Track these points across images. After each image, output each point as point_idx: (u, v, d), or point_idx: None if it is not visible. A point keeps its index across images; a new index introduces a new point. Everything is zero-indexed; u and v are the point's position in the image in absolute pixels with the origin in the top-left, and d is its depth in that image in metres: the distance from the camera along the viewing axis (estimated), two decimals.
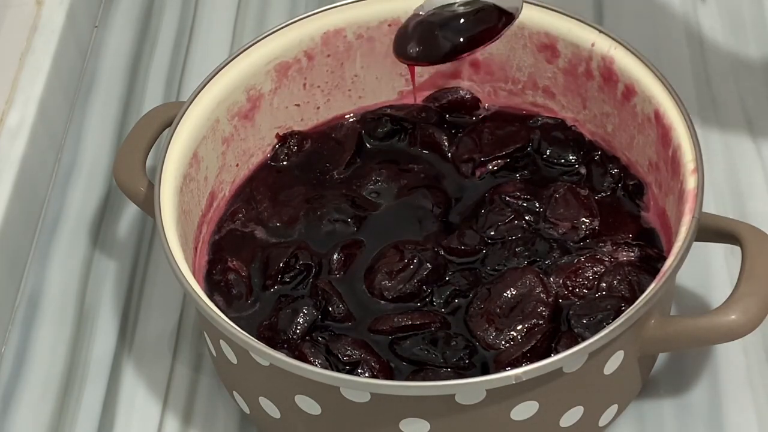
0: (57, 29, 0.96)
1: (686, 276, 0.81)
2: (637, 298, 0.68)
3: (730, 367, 0.78)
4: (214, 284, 0.78)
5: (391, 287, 0.76)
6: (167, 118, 0.80)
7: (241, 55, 0.81)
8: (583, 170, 0.82)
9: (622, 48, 0.79)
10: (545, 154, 0.83)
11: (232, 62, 0.80)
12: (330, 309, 0.75)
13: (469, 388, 0.66)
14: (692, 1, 1.00)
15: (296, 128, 0.86)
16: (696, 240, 0.71)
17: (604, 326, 0.67)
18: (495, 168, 0.83)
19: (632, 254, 0.76)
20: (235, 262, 0.78)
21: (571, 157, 0.83)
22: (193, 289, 0.69)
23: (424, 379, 0.71)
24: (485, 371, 0.71)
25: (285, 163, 0.84)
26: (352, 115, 0.87)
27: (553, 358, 0.66)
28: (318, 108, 0.86)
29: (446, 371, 0.71)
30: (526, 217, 0.78)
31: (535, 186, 0.80)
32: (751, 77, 0.95)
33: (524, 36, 0.82)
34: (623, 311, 0.68)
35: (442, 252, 0.77)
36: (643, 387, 0.76)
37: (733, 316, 0.68)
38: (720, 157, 0.90)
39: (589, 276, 0.75)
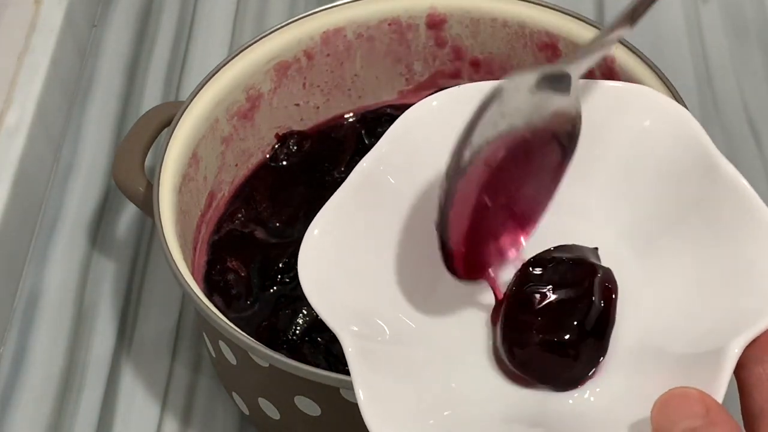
0: (55, 29, 0.96)
1: None
2: None
3: None
4: (213, 284, 0.77)
5: None
6: (166, 118, 0.80)
7: (241, 54, 0.81)
8: None
9: (623, 47, 0.79)
10: None
11: (231, 62, 0.80)
12: None
13: None
14: (693, 1, 1.00)
15: (296, 128, 0.85)
16: None
17: None
18: None
19: None
20: (234, 262, 0.78)
21: None
22: (192, 290, 0.69)
23: None
24: None
25: (285, 163, 0.84)
26: (351, 115, 0.87)
27: None
28: (318, 108, 0.86)
29: None
30: None
31: None
32: (753, 77, 0.95)
33: (525, 35, 0.82)
34: None
35: None
36: None
37: None
38: None
39: None
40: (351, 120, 0.87)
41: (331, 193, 0.81)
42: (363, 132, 0.85)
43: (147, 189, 0.77)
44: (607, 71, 0.79)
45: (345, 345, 0.54)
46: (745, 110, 0.92)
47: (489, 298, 0.58)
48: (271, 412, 0.72)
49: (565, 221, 0.59)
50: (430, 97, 0.62)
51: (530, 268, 0.57)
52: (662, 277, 0.57)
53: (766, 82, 0.94)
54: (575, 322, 0.55)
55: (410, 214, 0.60)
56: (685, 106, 0.75)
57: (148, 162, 0.79)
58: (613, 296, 0.56)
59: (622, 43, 0.79)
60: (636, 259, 0.58)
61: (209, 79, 0.79)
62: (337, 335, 0.55)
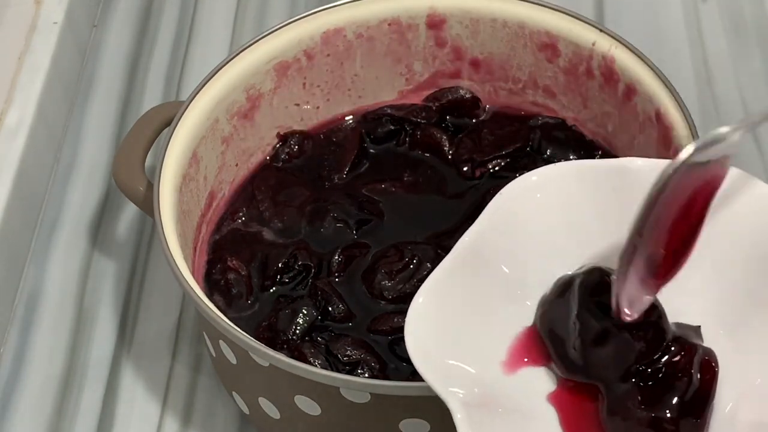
0: (56, 29, 0.96)
1: None
2: None
3: None
4: (213, 284, 0.77)
5: (390, 287, 0.75)
6: (166, 118, 0.80)
7: (241, 54, 0.81)
8: None
9: (623, 47, 0.79)
10: (545, 154, 0.83)
11: (231, 62, 0.80)
12: (329, 309, 0.75)
13: None
14: (693, 1, 1.00)
15: (296, 128, 0.85)
16: None
17: None
18: (495, 168, 0.82)
19: None
20: (234, 262, 0.78)
21: (571, 157, 0.82)
22: (192, 289, 0.69)
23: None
24: None
25: (286, 163, 0.84)
26: (352, 115, 0.87)
27: None
28: (318, 108, 0.86)
29: None
30: None
31: None
32: (753, 77, 0.95)
33: (525, 35, 0.82)
34: None
35: (442, 252, 0.77)
36: None
37: None
38: None
39: None
40: (351, 120, 0.87)
41: (333, 194, 0.81)
42: (363, 132, 0.85)
43: (147, 189, 0.77)
44: (607, 71, 0.80)
45: (453, 411, 0.56)
46: (745, 110, 0.92)
47: None
48: (272, 411, 0.72)
49: (666, 296, 0.60)
50: (530, 172, 0.64)
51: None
52: (754, 355, 0.59)
53: (765, 81, 0.94)
54: (675, 399, 0.57)
55: (509, 285, 0.62)
56: (685, 106, 0.75)
57: (148, 162, 0.80)
58: (715, 374, 0.58)
59: (622, 43, 0.79)
60: (728, 338, 0.60)
61: (209, 79, 0.79)
62: (444, 401, 0.56)
